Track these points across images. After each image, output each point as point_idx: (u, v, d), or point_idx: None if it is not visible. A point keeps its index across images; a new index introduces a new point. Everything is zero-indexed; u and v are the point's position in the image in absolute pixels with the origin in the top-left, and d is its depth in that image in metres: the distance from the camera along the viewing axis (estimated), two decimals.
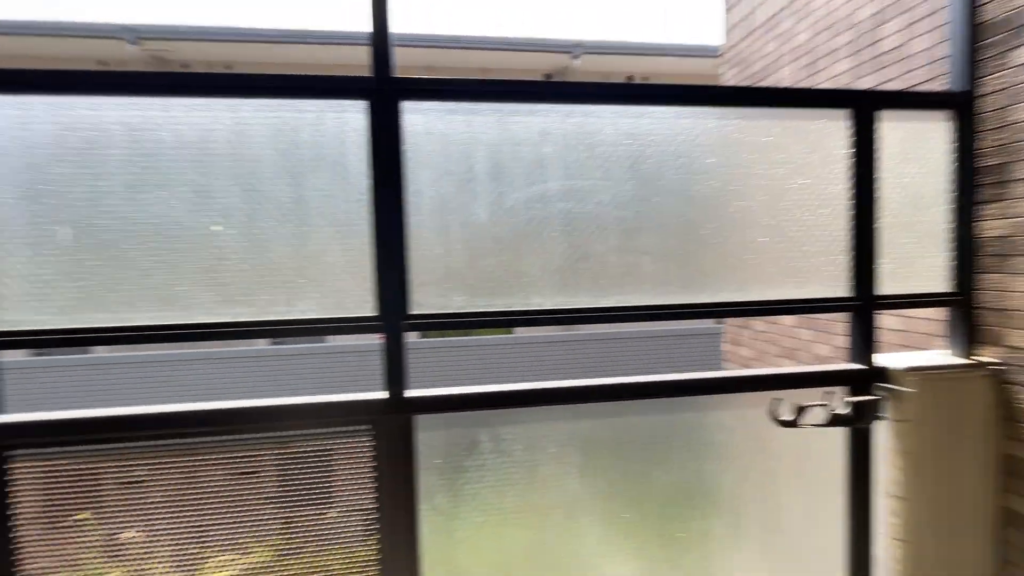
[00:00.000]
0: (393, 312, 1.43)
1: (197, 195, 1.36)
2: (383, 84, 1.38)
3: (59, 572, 1.42)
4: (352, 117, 1.40)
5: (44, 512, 1.40)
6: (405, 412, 1.45)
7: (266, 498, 1.52)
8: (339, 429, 1.48)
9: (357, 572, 1.56)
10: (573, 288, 1.50)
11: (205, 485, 1.47)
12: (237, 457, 1.50)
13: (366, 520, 1.52)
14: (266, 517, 1.51)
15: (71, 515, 1.43)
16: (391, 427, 1.45)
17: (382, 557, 1.48)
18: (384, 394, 1.46)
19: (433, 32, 8.05)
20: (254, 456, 1.52)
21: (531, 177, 1.47)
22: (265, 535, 1.52)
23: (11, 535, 1.33)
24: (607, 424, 1.56)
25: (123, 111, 1.34)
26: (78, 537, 1.44)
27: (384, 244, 1.41)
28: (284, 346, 9.74)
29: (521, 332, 11.28)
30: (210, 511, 1.47)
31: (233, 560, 1.54)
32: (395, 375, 1.44)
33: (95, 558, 1.47)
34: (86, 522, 1.48)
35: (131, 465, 1.49)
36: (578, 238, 1.50)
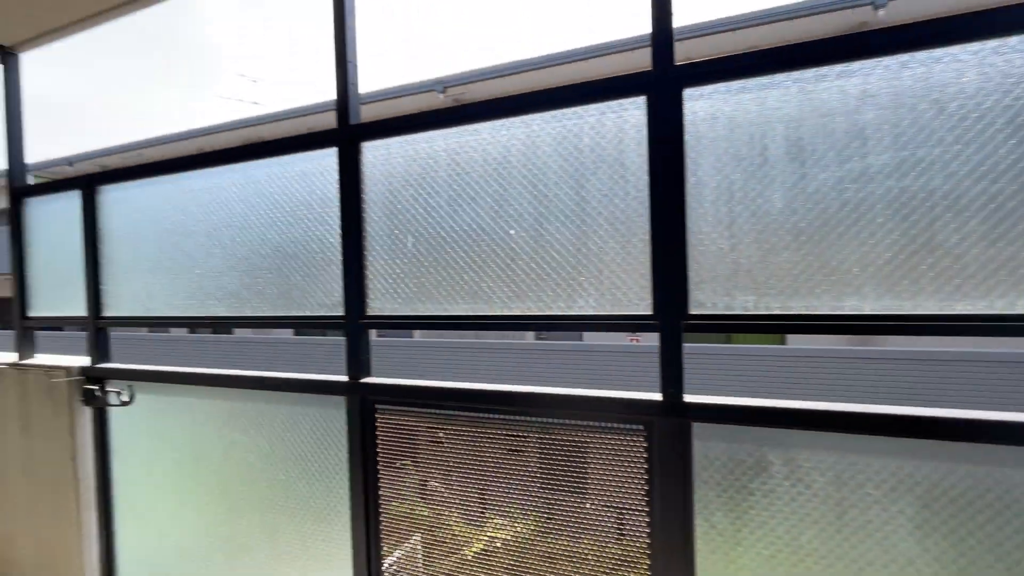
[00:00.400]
0: (670, 311, 1.37)
1: (497, 203, 1.57)
2: (663, 74, 1.34)
3: (391, 501, 1.84)
4: (631, 115, 1.40)
5: (384, 453, 1.83)
6: (682, 417, 1.37)
7: (533, 477, 1.65)
8: (611, 425, 1.50)
9: (612, 567, 1.56)
10: (908, 288, 1.17)
11: (488, 454, 1.68)
12: (515, 434, 1.67)
13: (622, 518, 1.50)
14: (533, 494, 1.64)
15: (399, 460, 1.83)
16: (666, 431, 1.39)
17: (652, 564, 1.44)
18: (658, 396, 1.41)
19: (695, 21, 7.64)
20: (528, 436, 1.66)
21: (845, 152, 1.20)
22: (530, 510, 1.66)
23: (378, 465, 1.79)
24: (965, 472, 1.16)
25: (446, 141, 1.65)
26: (402, 477, 1.83)
27: (662, 240, 1.36)
28: (546, 341, 10.71)
29: (797, 342, 9.71)
30: (490, 478, 1.68)
31: (504, 525, 1.72)
32: (672, 377, 1.38)
33: (412, 497, 1.85)
34: (406, 467, 1.87)
35: (437, 427, 1.81)
36: (917, 223, 1.16)
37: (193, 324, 2.18)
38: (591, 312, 1.48)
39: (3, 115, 2.67)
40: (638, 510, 1.47)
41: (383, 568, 1.82)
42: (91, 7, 2.33)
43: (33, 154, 2.77)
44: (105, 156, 13.83)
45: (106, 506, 2.42)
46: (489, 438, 1.68)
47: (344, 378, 1.82)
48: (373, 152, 1.76)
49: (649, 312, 1.41)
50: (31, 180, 2.73)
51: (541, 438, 1.63)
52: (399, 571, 1.84)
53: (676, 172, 1.34)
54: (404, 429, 1.81)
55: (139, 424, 2.35)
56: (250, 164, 2.02)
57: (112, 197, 2.37)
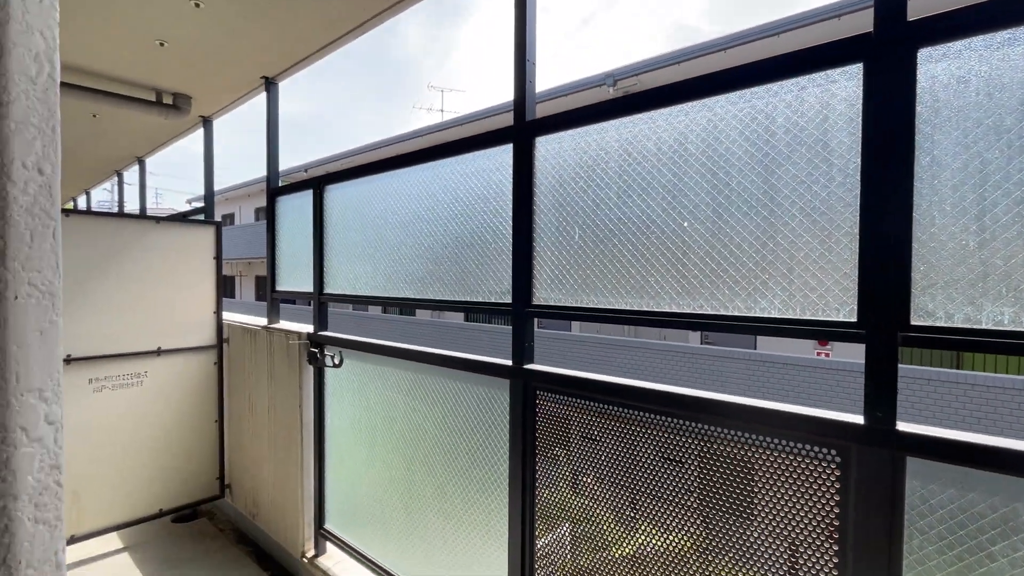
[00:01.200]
0: (883, 320, 1.14)
1: (670, 194, 1.49)
2: (890, 34, 1.11)
3: (545, 487, 1.88)
4: (841, 87, 1.20)
5: (542, 438, 1.87)
6: (892, 448, 1.14)
7: (691, 488, 1.52)
8: (792, 444, 1.31)
9: None
10: None
11: (645, 457, 1.60)
12: (675, 441, 1.57)
13: (796, 552, 1.30)
14: (689, 506, 1.52)
15: (555, 447, 1.86)
16: (869, 462, 1.17)
17: None
18: (859, 418, 1.20)
19: None
20: (690, 444, 1.54)
21: None
22: (686, 523, 1.53)
23: (535, 449, 1.86)
24: None
25: (618, 131, 1.62)
26: (556, 466, 1.86)
27: (876, 234, 1.14)
28: (713, 346, 9.90)
29: None
30: (644, 482, 1.59)
31: (656, 533, 1.62)
32: (880, 399, 1.15)
33: (564, 487, 1.86)
34: (561, 456, 1.89)
35: (595, 422, 1.79)
36: None
37: (387, 303, 2.52)
38: (776, 315, 1.31)
39: (265, 133, 3.42)
40: (821, 548, 1.27)
41: (536, 548, 1.89)
42: (327, 37, 2.83)
43: (282, 163, 3.50)
44: (328, 163, 16.81)
45: (320, 448, 2.96)
46: (648, 440, 1.61)
47: (509, 362, 1.92)
48: (545, 146, 1.82)
49: (853, 319, 1.19)
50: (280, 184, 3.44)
51: (705, 449, 1.51)
52: (549, 555, 1.89)
53: (902, 151, 1.11)
54: (562, 418, 1.84)
55: (345, 384, 2.81)
56: (437, 163, 2.25)
57: (332, 196, 2.87)
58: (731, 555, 1.45)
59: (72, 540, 3.07)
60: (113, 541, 3.42)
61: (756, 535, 1.42)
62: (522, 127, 1.86)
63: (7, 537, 0.39)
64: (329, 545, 2.96)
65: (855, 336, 1.19)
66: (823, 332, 1.24)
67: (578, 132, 1.72)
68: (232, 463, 3.72)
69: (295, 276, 3.21)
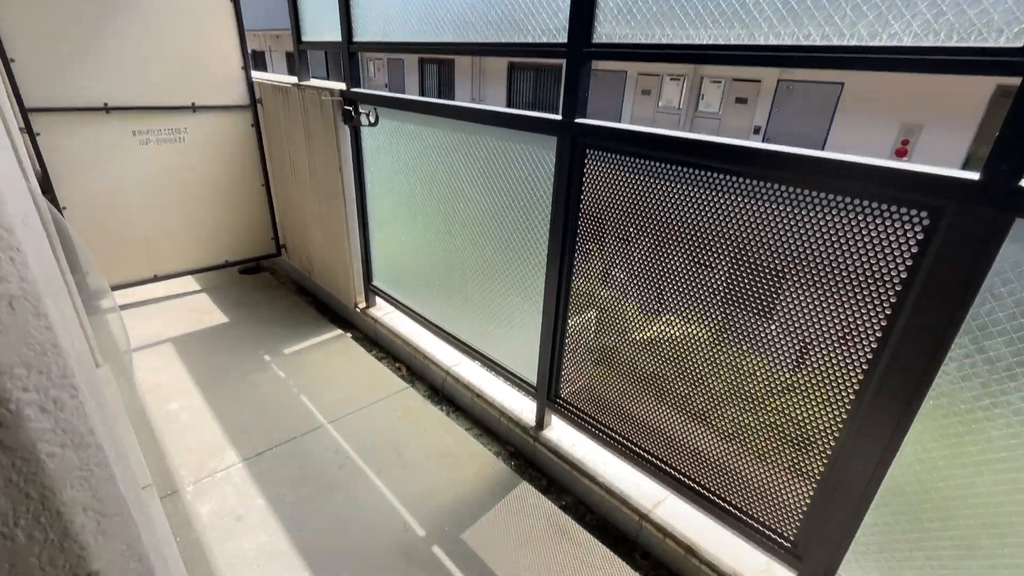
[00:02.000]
0: None
1: None
2: None
3: (581, 261, 1.85)
4: None
5: (586, 205, 1.78)
6: (1002, 209, 0.98)
7: (718, 279, 1.46)
8: (876, 206, 1.16)
9: (775, 395, 1.43)
10: None
11: (692, 223, 1.49)
12: (739, 204, 1.43)
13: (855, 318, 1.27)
14: (715, 299, 1.49)
15: (599, 214, 1.75)
16: (965, 225, 1.03)
17: (859, 396, 1.24)
18: (974, 175, 1.02)
19: None
20: (750, 207, 1.40)
21: None
22: (708, 315, 1.52)
23: (579, 212, 1.78)
24: None
25: None
26: (598, 234, 1.79)
27: None
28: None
29: None
30: (670, 275, 1.53)
31: (675, 323, 1.63)
32: (1017, 149, 0.95)
33: (594, 277, 1.84)
34: (591, 252, 1.81)
35: (647, 185, 1.63)
36: None
37: (425, 50, 2.23)
38: (908, 44, 1.03)
39: None
40: (871, 331, 1.23)
41: (568, 325, 1.97)
42: None
43: None
44: None
45: (363, 209, 3.02)
46: (709, 206, 1.45)
47: (558, 117, 1.72)
48: None
49: (1017, 44, 0.92)
50: None
51: (765, 212, 1.36)
52: (577, 333, 1.97)
53: None
54: (612, 183, 1.65)
55: (383, 146, 2.71)
56: None
57: None
58: (749, 346, 1.45)
59: (155, 279, 3.48)
60: (191, 283, 3.87)
61: (780, 326, 1.39)
62: None
63: None
64: (378, 299, 3.25)
65: (1009, 66, 0.93)
66: (966, 63, 0.98)
67: None
68: (284, 224, 3.92)
69: (321, 23, 2.84)
